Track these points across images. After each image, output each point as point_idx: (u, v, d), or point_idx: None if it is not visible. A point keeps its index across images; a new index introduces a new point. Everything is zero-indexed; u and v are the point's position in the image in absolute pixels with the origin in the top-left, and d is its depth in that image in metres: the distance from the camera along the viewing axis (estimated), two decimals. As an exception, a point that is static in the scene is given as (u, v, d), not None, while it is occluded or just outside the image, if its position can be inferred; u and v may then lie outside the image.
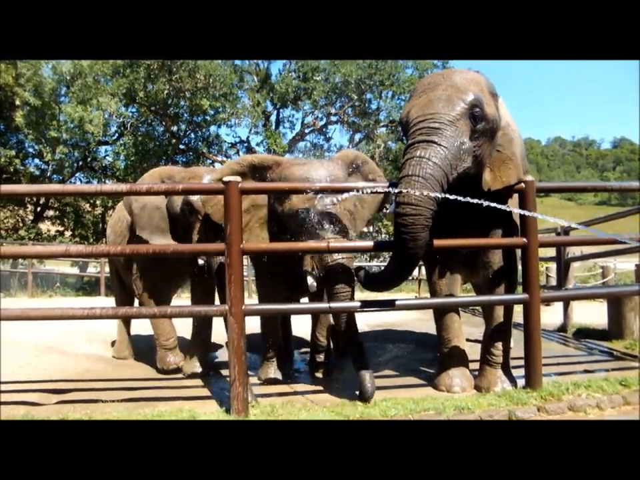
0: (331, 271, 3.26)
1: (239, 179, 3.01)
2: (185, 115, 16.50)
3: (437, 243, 3.04)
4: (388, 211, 3.85)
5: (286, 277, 3.67)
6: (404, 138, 3.03)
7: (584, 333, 5.47)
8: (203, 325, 4.29)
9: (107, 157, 17.91)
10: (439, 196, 2.67)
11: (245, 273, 6.45)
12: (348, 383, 3.58)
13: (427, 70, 15.71)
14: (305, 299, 4.30)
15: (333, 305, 3.17)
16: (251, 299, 10.14)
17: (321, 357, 4.11)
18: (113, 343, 5.05)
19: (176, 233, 4.09)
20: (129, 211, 4.27)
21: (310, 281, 3.33)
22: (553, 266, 7.77)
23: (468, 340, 3.81)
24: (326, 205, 3.28)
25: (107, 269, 11.60)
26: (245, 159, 3.78)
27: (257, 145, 17.74)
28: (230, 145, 18.13)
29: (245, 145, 18.04)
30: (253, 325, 4.20)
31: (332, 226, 3.28)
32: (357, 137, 18.02)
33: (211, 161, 17.71)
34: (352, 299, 3.29)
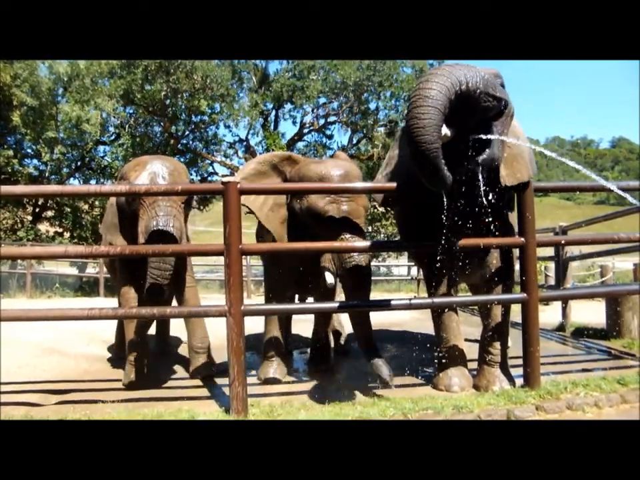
0: (352, 272, 3.24)
1: (237, 179, 3.02)
2: (183, 115, 16.46)
3: (437, 243, 3.05)
4: None
5: (295, 275, 3.66)
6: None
7: (582, 332, 5.48)
8: (136, 328, 3.91)
9: (105, 157, 17.86)
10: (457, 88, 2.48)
11: (244, 273, 6.44)
12: (348, 382, 3.59)
13: (424, 69, 15.70)
14: (310, 299, 4.31)
15: (335, 304, 3.18)
16: (250, 299, 10.14)
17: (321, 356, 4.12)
18: (112, 344, 5.04)
19: (124, 228, 3.83)
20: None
21: (329, 278, 3.28)
22: (551, 265, 7.78)
23: (466, 340, 3.82)
24: (344, 203, 3.24)
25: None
26: (264, 158, 3.76)
27: (256, 145, 17.72)
28: (229, 144, 18.10)
29: (244, 144, 18.01)
30: (254, 325, 4.20)
31: (351, 224, 3.26)
32: (356, 136, 17.99)
33: (210, 162, 17.69)
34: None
